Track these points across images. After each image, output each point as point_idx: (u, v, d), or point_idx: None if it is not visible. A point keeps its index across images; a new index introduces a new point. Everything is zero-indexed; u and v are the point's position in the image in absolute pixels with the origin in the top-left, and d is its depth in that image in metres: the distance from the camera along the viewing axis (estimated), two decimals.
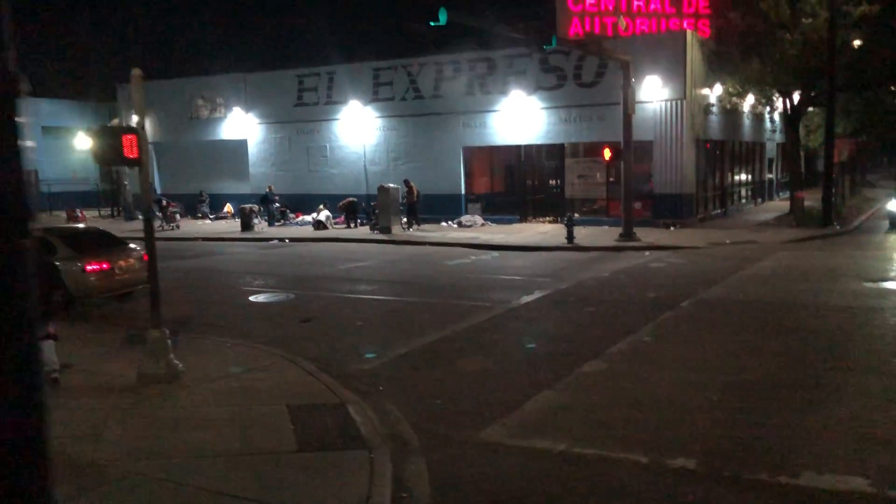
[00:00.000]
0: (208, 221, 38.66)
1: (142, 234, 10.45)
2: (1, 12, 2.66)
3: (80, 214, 38.14)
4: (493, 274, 19.55)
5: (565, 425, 8.29)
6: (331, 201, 34.06)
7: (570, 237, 24.62)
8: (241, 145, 38.70)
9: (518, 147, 32.32)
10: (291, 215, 36.11)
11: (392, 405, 9.15)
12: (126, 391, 9.56)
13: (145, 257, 10.71)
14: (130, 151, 9.26)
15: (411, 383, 10.08)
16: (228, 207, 39.16)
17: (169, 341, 10.01)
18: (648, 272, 19.26)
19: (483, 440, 7.99)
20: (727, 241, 24.45)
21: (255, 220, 33.61)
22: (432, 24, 15.05)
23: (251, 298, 16.70)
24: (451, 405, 9.14)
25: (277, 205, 35.96)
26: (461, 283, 18.14)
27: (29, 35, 49.32)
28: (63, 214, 38.44)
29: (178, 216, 36.96)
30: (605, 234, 26.54)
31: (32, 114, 47.51)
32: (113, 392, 9.51)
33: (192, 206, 39.65)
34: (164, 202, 37.13)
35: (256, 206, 34.59)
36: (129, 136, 9.29)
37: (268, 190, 35.87)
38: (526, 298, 15.69)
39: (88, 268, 14.80)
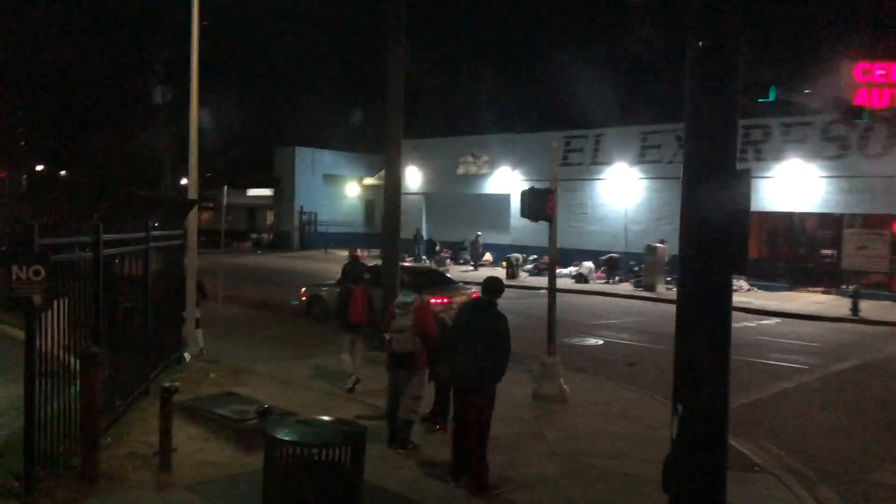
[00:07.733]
0: (471, 268, 41.63)
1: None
2: None
3: (359, 252, 42.57)
4: (785, 339, 19.73)
5: None
6: (586, 257, 35.50)
7: (854, 309, 24.34)
8: (503, 200, 41.52)
9: (789, 214, 32.39)
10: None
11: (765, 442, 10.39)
12: (529, 407, 11.42)
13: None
14: (550, 209, 11.38)
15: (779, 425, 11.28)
16: (488, 256, 41.97)
17: (560, 368, 11.88)
18: None
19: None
20: None
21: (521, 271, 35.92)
22: (760, 100, 16.05)
23: (566, 340, 17.86)
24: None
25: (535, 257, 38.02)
26: (762, 345, 18.51)
27: None
28: (338, 252, 43.52)
29: (447, 261, 40.20)
30: (890, 310, 25.94)
31: (318, 162, 53.83)
32: (521, 406, 11.40)
33: (455, 253, 43.02)
34: (437, 247, 40.57)
35: (520, 257, 36.90)
36: (551, 198, 11.56)
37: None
38: (840, 365, 16.37)
39: (431, 301, 15.36)
